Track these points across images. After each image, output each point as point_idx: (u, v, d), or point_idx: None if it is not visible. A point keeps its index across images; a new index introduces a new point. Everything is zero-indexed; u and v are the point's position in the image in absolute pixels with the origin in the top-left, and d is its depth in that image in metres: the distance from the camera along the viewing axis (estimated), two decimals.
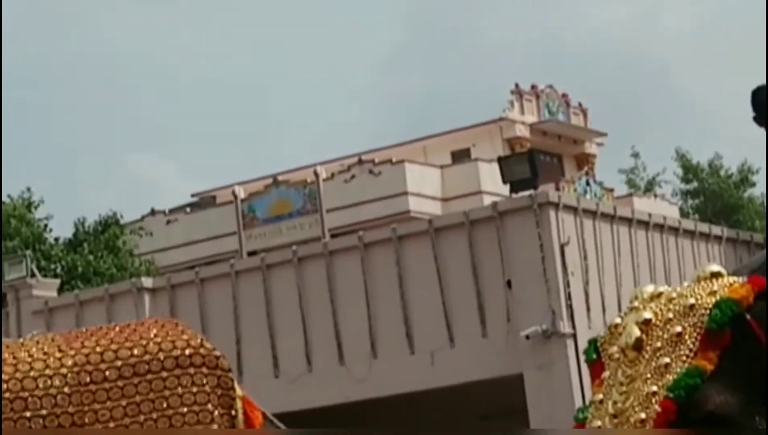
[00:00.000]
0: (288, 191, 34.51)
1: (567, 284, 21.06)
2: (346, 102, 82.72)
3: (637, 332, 4.20)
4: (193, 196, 41.59)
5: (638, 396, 4.14)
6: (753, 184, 39.19)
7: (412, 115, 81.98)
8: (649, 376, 4.17)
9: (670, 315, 4.26)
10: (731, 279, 4.40)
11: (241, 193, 35.08)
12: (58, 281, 27.17)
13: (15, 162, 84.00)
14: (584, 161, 40.89)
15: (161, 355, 5.42)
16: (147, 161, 70.36)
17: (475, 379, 21.30)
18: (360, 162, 36.74)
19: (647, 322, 4.22)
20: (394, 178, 35.49)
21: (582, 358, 14.23)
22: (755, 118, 5.74)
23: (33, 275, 25.93)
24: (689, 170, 39.41)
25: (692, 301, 4.25)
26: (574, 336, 20.63)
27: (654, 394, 4.07)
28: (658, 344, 4.19)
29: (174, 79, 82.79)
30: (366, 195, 34.27)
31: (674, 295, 4.33)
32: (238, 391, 5.66)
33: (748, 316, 4.12)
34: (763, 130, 5.63)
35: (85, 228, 32.19)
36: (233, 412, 5.62)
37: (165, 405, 5.46)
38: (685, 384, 4.05)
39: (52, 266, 29.14)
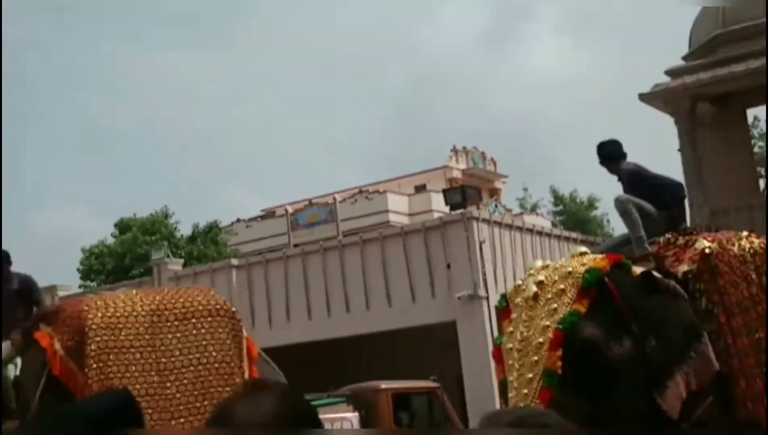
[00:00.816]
0: (318, 209, 36.12)
1: (483, 266, 22.05)
2: (351, 155, 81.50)
3: (534, 288, 5.76)
4: (261, 211, 42.82)
5: (537, 328, 5.61)
6: (596, 208, 42.65)
7: (392, 161, 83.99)
8: (543, 316, 5.64)
9: (556, 277, 5.79)
10: (594, 256, 6.14)
11: (290, 209, 36.07)
12: (182, 261, 28.62)
13: (159, 189, 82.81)
14: (494, 192, 43.30)
15: (200, 307, 7.03)
16: (234, 188, 70.45)
17: (428, 323, 22.26)
18: (360, 192, 38.76)
19: (540, 282, 5.78)
20: (381, 202, 38.03)
21: (493, 311, 17.33)
22: (600, 163, 7.58)
23: (168, 256, 27.59)
24: (558, 199, 42.74)
25: (570, 269, 5.79)
26: (487, 298, 21.35)
27: (547, 327, 5.55)
28: (549, 296, 5.72)
29: (240, 125, 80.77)
30: (364, 211, 36.23)
31: (557, 265, 6.02)
32: (245, 333, 7.31)
33: (606, 280, 5.72)
34: (600, 170, 7.55)
35: (198, 229, 33.62)
36: (241, 346, 7.11)
37: (201, 338, 6.89)
38: (569, 320, 5.49)
39: (179, 252, 30.92)
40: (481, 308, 21.65)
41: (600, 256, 6.06)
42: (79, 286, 29.30)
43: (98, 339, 6.73)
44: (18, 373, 7.35)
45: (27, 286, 8.39)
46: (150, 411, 6.41)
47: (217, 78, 75.97)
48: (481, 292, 21.89)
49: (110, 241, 32.88)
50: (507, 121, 65.66)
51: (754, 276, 6.32)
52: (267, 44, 78.13)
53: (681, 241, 6.52)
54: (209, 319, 6.85)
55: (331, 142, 72.93)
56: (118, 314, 6.92)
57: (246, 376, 6.93)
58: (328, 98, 78.25)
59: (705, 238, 6.45)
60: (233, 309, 7.36)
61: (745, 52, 16.53)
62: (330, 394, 15.50)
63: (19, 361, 7.41)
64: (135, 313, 6.95)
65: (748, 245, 6.57)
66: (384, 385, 15.23)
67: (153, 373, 6.74)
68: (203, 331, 6.86)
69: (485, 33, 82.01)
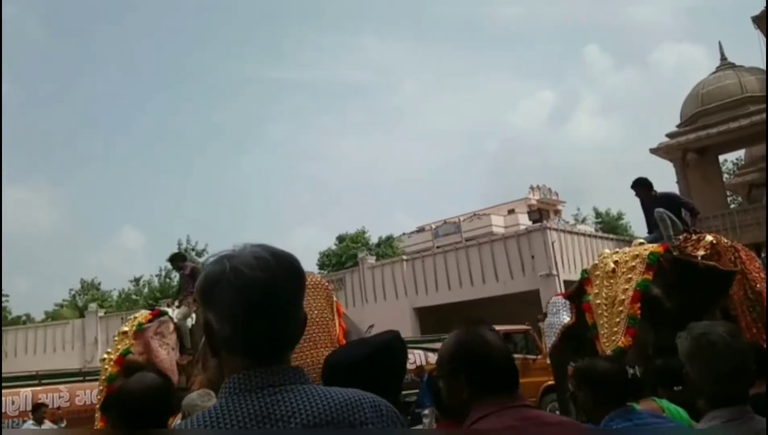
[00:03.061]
0: (448, 226, 35.34)
1: (554, 256, 20.92)
2: (468, 192, 78.27)
3: (612, 265, 5.47)
4: (417, 227, 40.27)
5: (618, 290, 5.29)
6: (623, 219, 37.64)
7: (493, 195, 77.95)
8: (622, 283, 5.32)
9: (627, 258, 5.47)
10: (652, 244, 5.74)
11: (433, 226, 36.84)
12: (374, 257, 26.69)
13: (357, 215, 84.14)
14: (557, 212, 39.85)
15: (313, 282, 6.14)
16: (398, 214, 70.13)
17: (521, 291, 20.87)
18: (474, 214, 36.31)
19: (616, 262, 5.48)
20: (486, 220, 35.52)
21: (561, 284, 17.85)
22: (635, 188, 6.83)
23: (367, 255, 26.10)
24: (598, 214, 38.31)
25: (636, 253, 5.49)
26: (558, 275, 20.57)
27: (626, 289, 5.25)
28: (624, 270, 5.38)
29: (402, 176, 79.93)
30: (477, 226, 34.58)
31: (626, 251, 5.59)
32: (335, 298, 6.45)
33: (661, 259, 5.43)
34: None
35: (382, 239, 32.32)
36: (332, 308, 6.19)
37: (314, 302, 6.08)
38: (643, 284, 5.21)
39: (372, 253, 28.37)
40: (554, 282, 20.92)
41: (656, 245, 5.76)
42: (317, 272, 29.19)
43: None
44: (193, 324, 7.06)
45: (196, 271, 7.78)
46: None
47: (385, 149, 75.45)
48: (554, 272, 21.28)
49: (333, 247, 33.01)
50: (563, 168, 63.74)
51: (732, 257, 6.16)
52: (413, 123, 76.67)
53: (694, 237, 6.31)
54: (312, 290, 6.04)
55: (456, 184, 72.15)
56: None
57: (337, 327, 6.17)
58: (454, 159, 76.83)
59: (708, 235, 6.39)
60: (326, 282, 6.66)
61: (715, 121, 16.10)
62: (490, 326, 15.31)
63: (193, 316, 7.10)
64: None
65: (728, 241, 6.52)
66: (497, 327, 14.83)
67: None
68: (315, 297, 6.10)
69: (548, 115, 79.50)
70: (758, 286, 6.07)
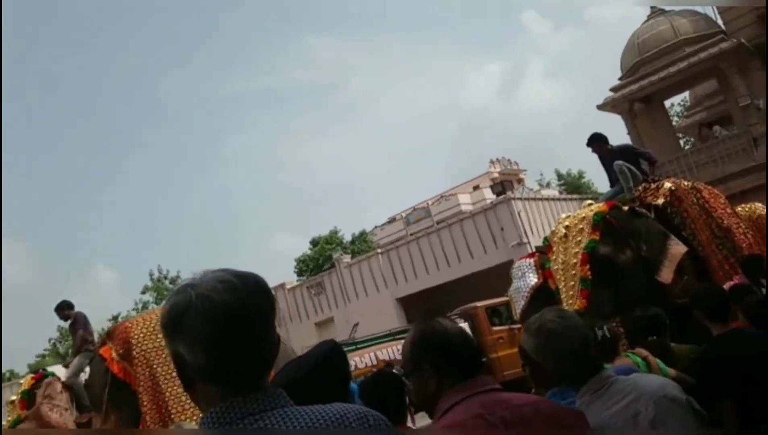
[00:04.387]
0: (418, 211, 35.11)
1: (522, 225, 21.09)
2: (434, 172, 78.48)
3: (564, 230, 5.50)
4: (388, 218, 39.97)
5: (570, 254, 5.33)
6: (584, 178, 37.34)
7: (456, 173, 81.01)
8: (573, 246, 5.36)
9: (576, 221, 5.49)
10: (598, 204, 5.76)
11: (403, 215, 36.72)
12: (350, 256, 26.24)
13: (328, 215, 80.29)
14: (520, 181, 39.42)
15: None
16: (371, 207, 70.28)
17: (496, 263, 20.39)
18: (441, 196, 37.40)
19: (567, 226, 5.51)
20: (454, 200, 35.14)
21: (532, 250, 17.84)
22: (591, 145, 6.73)
23: (342, 254, 26.25)
24: (560, 176, 38.06)
25: (584, 215, 5.49)
26: (528, 243, 20.45)
27: (577, 252, 5.28)
28: (574, 233, 5.41)
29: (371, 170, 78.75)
30: (446, 208, 34.13)
31: (576, 214, 5.62)
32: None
33: (608, 217, 5.40)
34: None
35: (355, 236, 31.84)
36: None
37: None
38: (590, 246, 5.24)
39: (347, 251, 28.43)
40: (526, 249, 20.48)
41: (601, 203, 5.81)
42: (297, 280, 29.13)
43: (140, 344, 5.90)
44: (87, 378, 6.62)
45: (79, 317, 7.41)
46: None
47: (348, 142, 75.05)
48: (524, 240, 21.32)
49: (308, 252, 32.72)
50: (520, 136, 64.28)
51: (694, 199, 6.14)
52: (370, 116, 76.53)
53: (653, 185, 6.26)
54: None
55: (421, 169, 72.23)
56: (153, 324, 6.01)
57: None
58: (416, 145, 76.96)
59: (667, 181, 6.32)
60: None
61: (656, 68, 16.24)
62: (449, 314, 15.32)
63: (87, 370, 6.68)
64: None
65: (689, 183, 6.47)
66: (479, 303, 14.69)
67: None
68: None
69: (499, 86, 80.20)
70: (725, 222, 6.03)
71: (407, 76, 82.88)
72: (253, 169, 70.23)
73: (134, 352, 5.84)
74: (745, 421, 2.69)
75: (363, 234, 33.03)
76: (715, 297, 3.36)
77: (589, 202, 5.99)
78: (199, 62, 75.71)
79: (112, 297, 55.61)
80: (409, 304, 23.42)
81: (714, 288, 3.74)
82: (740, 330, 3.18)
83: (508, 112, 71.24)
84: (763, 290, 4.73)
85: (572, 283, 5.20)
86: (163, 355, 5.72)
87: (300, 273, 31.41)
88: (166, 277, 29.06)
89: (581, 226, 5.38)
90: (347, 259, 25.65)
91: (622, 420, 1.75)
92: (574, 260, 5.22)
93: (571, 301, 5.09)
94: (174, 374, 4.73)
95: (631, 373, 2.29)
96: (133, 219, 61.62)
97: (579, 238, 5.31)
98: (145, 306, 29.95)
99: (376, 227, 37.20)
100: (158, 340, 5.79)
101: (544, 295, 5.48)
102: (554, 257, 5.46)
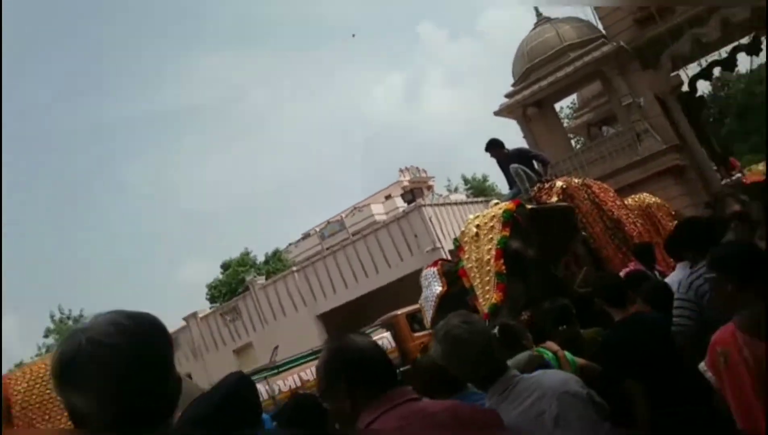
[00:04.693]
0: (333, 225, 34.44)
1: (434, 230, 21.48)
2: (346, 187, 78.92)
3: (475, 229, 5.58)
4: (302, 234, 39.41)
5: (484, 252, 5.40)
6: (488, 181, 39.40)
7: (368, 185, 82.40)
8: (485, 242, 5.44)
9: (486, 220, 5.58)
10: (504, 202, 5.86)
11: (317, 229, 36.22)
12: (264, 277, 25.71)
13: (240, 237, 75.43)
14: (429, 187, 40.20)
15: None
16: (284, 223, 67.49)
17: (413, 270, 18.12)
18: (354, 208, 36.67)
19: (477, 225, 5.58)
20: (367, 211, 35.09)
21: (446, 255, 18.29)
22: (489, 150, 7.02)
23: (255, 276, 25.30)
24: (466, 181, 40.02)
25: (493, 213, 5.61)
26: (442, 247, 20.68)
27: (490, 249, 5.37)
28: (485, 231, 5.50)
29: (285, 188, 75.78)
30: (360, 219, 34.49)
31: (485, 213, 5.71)
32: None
33: (515, 214, 5.54)
34: (485, 158, 7.42)
35: (268, 256, 31.25)
36: None
37: None
38: (502, 241, 5.36)
39: (261, 272, 27.87)
40: (440, 254, 20.86)
41: (508, 202, 6.00)
42: (210, 307, 28.14)
43: (20, 399, 5.29)
44: None
45: None
46: None
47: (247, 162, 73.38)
48: (438, 245, 21.55)
49: (220, 277, 31.82)
50: (427, 144, 65.82)
51: (585, 195, 6.39)
52: (274, 132, 75.05)
53: (547, 185, 6.50)
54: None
55: (333, 182, 72.13)
56: (35, 376, 5.39)
57: None
58: (326, 159, 76.77)
59: (559, 180, 6.57)
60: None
61: (545, 74, 17.01)
62: (371, 325, 15.34)
63: None
64: (48, 373, 5.55)
65: (579, 180, 6.76)
66: (399, 311, 14.87)
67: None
68: None
69: (402, 96, 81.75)
70: (615, 214, 6.33)
71: (312, 90, 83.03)
72: (154, 196, 67.52)
73: (14, 410, 5.23)
74: (650, 401, 2.78)
75: (277, 253, 32.50)
76: (611, 284, 3.51)
77: (496, 201, 6.19)
78: (84, 90, 71.86)
79: (11, 343, 51.26)
80: (329, 320, 23.14)
81: (610, 276, 3.94)
82: (640, 314, 3.32)
83: (413, 121, 72.93)
84: (657, 275, 4.97)
85: (488, 278, 5.31)
86: (47, 410, 5.15)
87: (213, 299, 30.50)
88: (69, 318, 27.14)
89: (492, 223, 5.51)
90: (261, 280, 25.06)
91: (528, 419, 1.78)
92: (488, 256, 5.33)
93: (488, 296, 5.21)
94: (61, 425, 4.56)
95: (541, 367, 2.42)
96: (29, 258, 57.45)
97: (491, 236, 5.44)
98: (48, 350, 28.03)
99: (290, 244, 36.76)
100: (44, 393, 5.19)
101: (450, 302, 5.57)
102: (467, 256, 5.55)
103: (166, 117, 72.76)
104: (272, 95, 78.91)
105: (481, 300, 5.25)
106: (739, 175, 16.06)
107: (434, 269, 6.07)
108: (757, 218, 4.62)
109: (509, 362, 2.81)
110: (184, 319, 25.61)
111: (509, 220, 5.51)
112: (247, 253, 31.93)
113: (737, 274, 2.12)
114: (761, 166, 18.49)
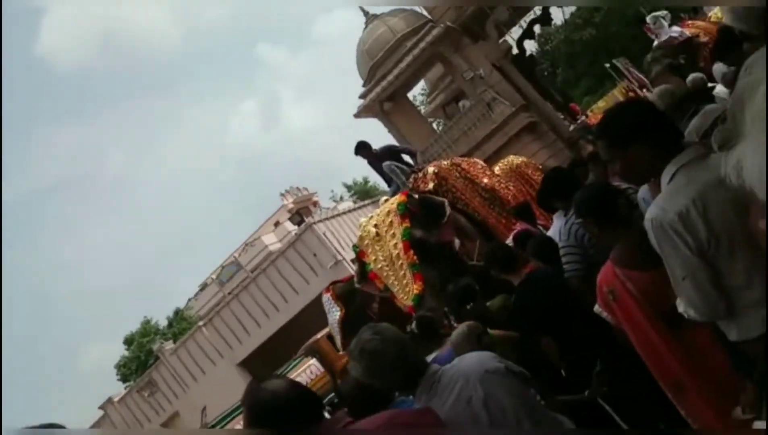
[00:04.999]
0: (229, 268, 32.22)
1: (331, 244, 21.42)
2: (233, 227, 76.67)
3: (374, 230, 5.57)
4: (198, 286, 35.82)
5: (390, 248, 5.39)
6: (369, 182, 40.13)
7: (256, 217, 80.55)
8: (389, 239, 5.43)
9: (383, 218, 5.58)
10: (394, 197, 5.87)
11: (213, 277, 33.81)
12: (171, 341, 24.92)
13: (129, 313, 75.91)
14: (315, 203, 39.42)
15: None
16: (180, 283, 63.22)
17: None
18: (245, 244, 35.09)
19: (375, 225, 5.58)
20: (260, 244, 33.32)
21: (350, 265, 18.24)
22: (358, 153, 7.00)
23: (162, 343, 24.46)
24: (348, 187, 40.62)
25: (388, 209, 5.63)
26: (343, 259, 20.88)
27: (396, 244, 5.36)
28: (385, 228, 5.50)
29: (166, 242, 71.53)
30: (255, 253, 32.70)
31: (378, 212, 5.68)
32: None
33: (408, 205, 5.53)
34: (361, 162, 6.88)
35: (171, 319, 30.33)
36: None
37: None
38: (406, 233, 5.38)
39: (167, 336, 26.97)
40: (343, 266, 21.01)
41: (397, 195, 6.00)
42: (124, 387, 26.52)
43: None
44: None
45: None
46: None
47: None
48: (339, 258, 21.45)
49: (125, 353, 30.14)
50: (300, 161, 65.42)
51: (457, 174, 6.45)
52: (146, 192, 71.23)
53: (420, 174, 6.59)
54: None
55: (216, 224, 69.58)
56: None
57: None
58: (201, 203, 73.80)
59: (429, 166, 6.64)
60: None
61: (388, 69, 17.49)
62: (295, 356, 14.92)
63: None
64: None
65: (448, 162, 6.85)
66: (318, 335, 14.42)
67: None
68: None
69: (261, 121, 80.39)
70: (487, 184, 6.57)
71: (166, 138, 79.65)
72: (35, 284, 61.57)
73: None
74: (562, 353, 2.93)
75: (178, 312, 31.34)
76: (499, 253, 3.62)
77: (385, 198, 6.19)
78: None
79: None
80: (251, 364, 22.42)
81: (496, 246, 4.04)
82: (533, 273, 3.40)
83: (278, 143, 72.40)
84: (541, 229, 5.18)
85: (402, 272, 5.30)
86: None
87: (125, 379, 29.02)
88: None
89: (389, 219, 5.51)
90: (170, 344, 24.05)
91: (460, 409, 1.80)
92: (396, 251, 5.33)
93: (408, 289, 5.20)
94: None
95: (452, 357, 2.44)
96: None
97: (392, 231, 5.43)
98: None
99: (189, 300, 35.04)
100: None
101: (353, 321, 5.51)
102: (373, 258, 5.51)
103: (34, 196, 66.67)
104: (128, 155, 74.88)
105: (402, 295, 5.23)
106: (583, 117, 17.36)
107: (328, 295, 5.99)
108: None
109: (450, 340, 2.92)
110: (100, 407, 23.95)
111: (405, 211, 5.53)
112: (147, 322, 30.61)
113: (595, 215, 2.23)
114: (601, 104, 20.42)
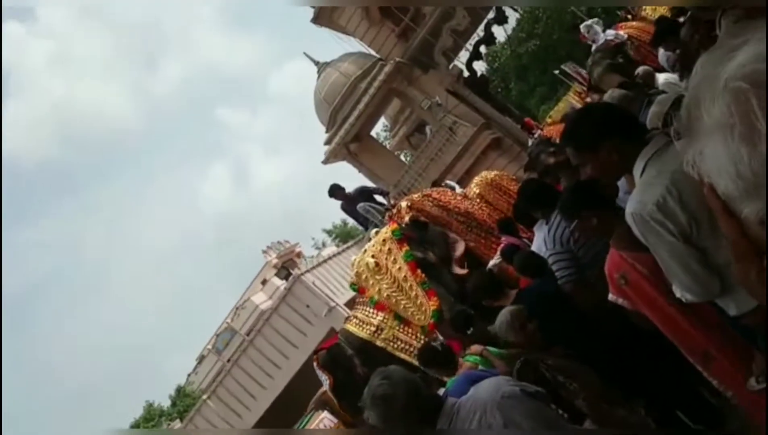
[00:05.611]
0: (224, 335, 31.86)
1: (322, 291, 20.73)
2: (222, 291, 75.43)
3: (373, 262, 5.44)
4: (195, 359, 34.75)
5: (395, 274, 5.28)
6: (348, 224, 39.56)
7: (243, 281, 79.98)
8: (391, 265, 5.34)
9: (379, 248, 5.49)
10: (385, 226, 5.83)
11: (210, 347, 33.32)
12: (177, 419, 24.93)
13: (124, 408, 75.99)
14: (299, 255, 38.84)
15: None
16: (178, 361, 61.67)
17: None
18: (236, 308, 34.60)
19: (373, 256, 5.48)
20: (251, 305, 32.95)
21: (345, 309, 18.19)
22: (332, 195, 7.48)
23: (169, 423, 25.02)
24: (329, 232, 40.42)
25: (382, 238, 5.55)
26: (336, 305, 20.38)
27: (401, 268, 5.26)
28: (384, 258, 5.43)
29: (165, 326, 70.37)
30: (247, 316, 32.11)
31: (373, 244, 5.62)
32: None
33: (403, 232, 5.49)
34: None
35: (172, 397, 29.40)
36: None
37: None
38: (409, 255, 5.31)
39: (171, 416, 26.52)
40: (338, 311, 20.40)
41: (388, 225, 5.97)
42: None
43: None
44: None
45: None
46: None
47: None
48: (331, 304, 20.98)
49: None
50: (276, 217, 65.04)
51: (429, 203, 6.34)
52: (132, 267, 70.59)
53: (395, 210, 6.56)
54: None
55: (205, 292, 68.66)
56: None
57: None
58: (189, 271, 72.91)
59: (402, 201, 6.59)
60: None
61: (348, 111, 17.78)
62: (306, 413, 14.48)
63: None
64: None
65: (419, 194, 6.74)
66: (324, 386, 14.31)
67: None
68: None
69: (232, 182, 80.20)
70: (461, 208, 6.56)
71: (141, 216, 78.99)
72: (28, 389, 59.64)
73: None
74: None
75: (180, 390, 30.61)
76: (480, 284, 3.61)
77: (375, 230, 6.14)
78: None
79: None
80: (268, 422, 21.95)
81: (476, 279, 3.98)
82: (521, 292, 3.37)
83: (253, 200, 72.28)
84: (525, 241, 5.13)
85: (414, 292, 5.23)
86: None
87: None
88: None
89: (387, 247, 5.46)
90: (177, 424, 23.96)
91: None
92: (402, 274, 5.26)
93: (423, 308, 5.14)
94: None
95: (478, 378, 2.43)
96: None
97: (393, 257, 5.38)
98: None
99: (189, 375, 34.21)
100: None
101: (343, 385, 5.51)
102: (377, 289, 5.41)
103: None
104: (103, 240, 74.03)
105: (418, 316, 5.15)
106: (538, 132, 17.57)
107: (315, 365, 5.94)
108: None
109: (493, 328, 2.90)
110: None
111: (401, 236, 5.50)
112: (150, 405, 29.90)
113: (590, 206, 2.26)
114: (561, 105, 20.55)
